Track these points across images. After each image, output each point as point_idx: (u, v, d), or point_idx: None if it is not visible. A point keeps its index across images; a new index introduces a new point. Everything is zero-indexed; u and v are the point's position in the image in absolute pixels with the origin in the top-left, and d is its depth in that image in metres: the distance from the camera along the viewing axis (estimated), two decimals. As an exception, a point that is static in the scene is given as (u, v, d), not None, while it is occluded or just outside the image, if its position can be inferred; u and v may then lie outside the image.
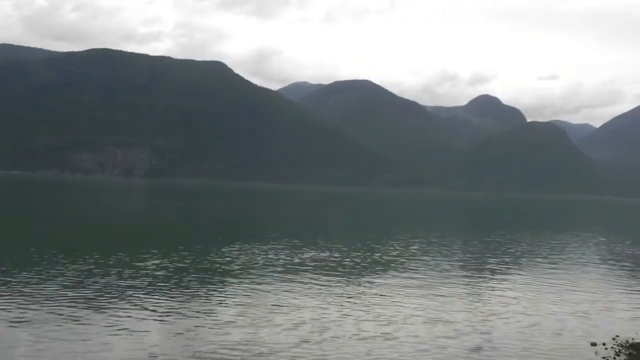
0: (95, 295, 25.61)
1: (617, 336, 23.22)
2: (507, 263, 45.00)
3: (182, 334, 20.55)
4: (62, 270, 31.19)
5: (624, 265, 47.82)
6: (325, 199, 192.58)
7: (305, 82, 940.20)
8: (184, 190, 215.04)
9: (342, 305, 26.20)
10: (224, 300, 26.22)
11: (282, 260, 38.80)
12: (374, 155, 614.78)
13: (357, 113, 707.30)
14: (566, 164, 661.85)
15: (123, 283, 28.61)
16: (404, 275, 35.78)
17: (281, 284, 30.47)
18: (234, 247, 44.27)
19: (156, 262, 35.61)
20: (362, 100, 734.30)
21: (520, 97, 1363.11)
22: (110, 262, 34.50)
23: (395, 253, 46.68)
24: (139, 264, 34.54)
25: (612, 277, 40.57)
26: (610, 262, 49.56)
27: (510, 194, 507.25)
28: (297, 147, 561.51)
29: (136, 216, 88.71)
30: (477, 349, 20.87)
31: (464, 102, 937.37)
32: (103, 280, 28.93)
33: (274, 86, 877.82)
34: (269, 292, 28.34)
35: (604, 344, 22.11)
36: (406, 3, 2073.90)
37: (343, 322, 23.28)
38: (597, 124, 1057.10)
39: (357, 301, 27.44)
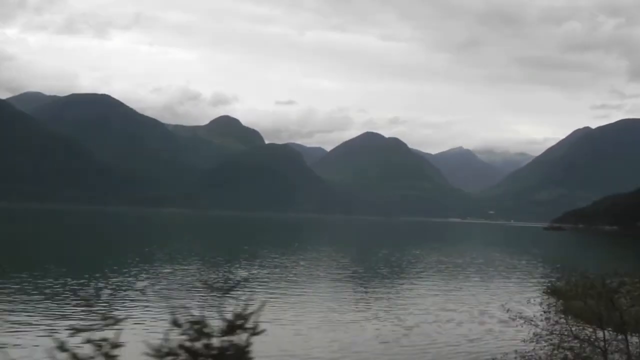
0: None
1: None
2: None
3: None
4: None
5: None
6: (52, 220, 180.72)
7: (39, 93, 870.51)
8: None
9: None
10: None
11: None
12: (113, 173, 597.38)
13: (96, 128, 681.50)
14: (302, 184, 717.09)
15: None
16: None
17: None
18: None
19: None
20: (100, 115, 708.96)
21: (259, 119, 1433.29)
22: None
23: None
24: None
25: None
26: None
27: (250, 212, 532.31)
28: (29, 163, 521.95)
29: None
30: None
31: (205, 122, 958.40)
32: None
33: (3, 95, 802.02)
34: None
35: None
36: (150, 20, 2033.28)
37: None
38: (328, 147, 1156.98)
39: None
